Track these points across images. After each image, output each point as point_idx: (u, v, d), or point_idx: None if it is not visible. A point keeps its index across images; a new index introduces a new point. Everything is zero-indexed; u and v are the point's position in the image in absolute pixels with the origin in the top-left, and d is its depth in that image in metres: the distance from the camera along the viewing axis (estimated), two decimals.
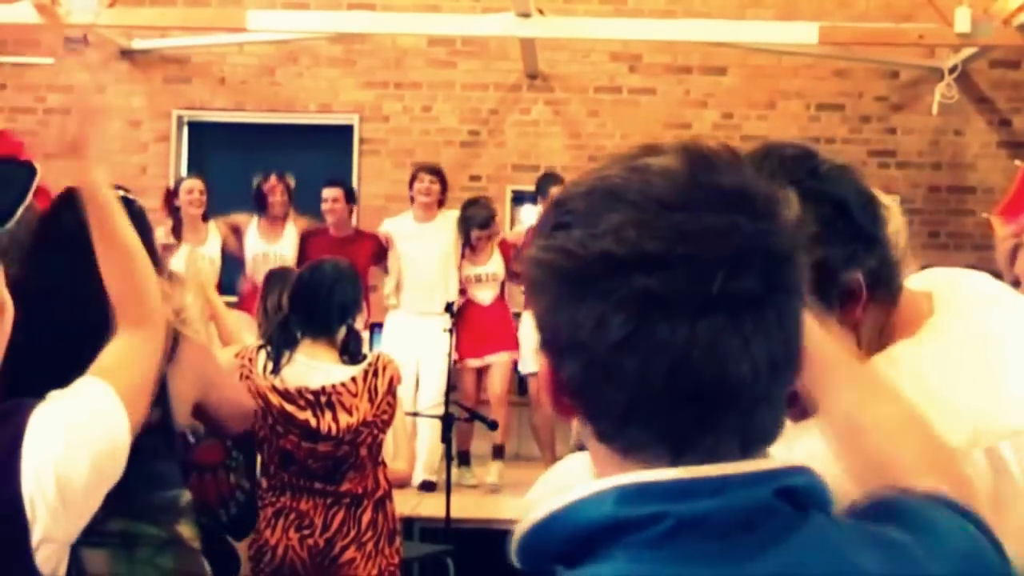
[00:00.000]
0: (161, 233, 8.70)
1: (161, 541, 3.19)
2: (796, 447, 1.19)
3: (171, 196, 9.05)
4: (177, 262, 8.61)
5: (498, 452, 8.88)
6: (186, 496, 3.32)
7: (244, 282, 9.08)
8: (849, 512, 1.21)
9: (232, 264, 9.20)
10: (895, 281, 1.74)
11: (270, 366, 4.47)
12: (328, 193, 9.06)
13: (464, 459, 8.78)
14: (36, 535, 1.95)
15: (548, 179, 9.06)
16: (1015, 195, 4.45)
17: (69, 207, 3.15)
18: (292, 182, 9.16)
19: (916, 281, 1.79)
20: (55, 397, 2.10)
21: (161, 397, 3.21)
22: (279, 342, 4.51)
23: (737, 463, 1.08)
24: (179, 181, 9.21)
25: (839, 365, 1.44)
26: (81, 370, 2.21)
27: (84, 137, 2.37)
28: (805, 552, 1.08)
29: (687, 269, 1.04)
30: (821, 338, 1.40)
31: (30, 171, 2.27)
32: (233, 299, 9.16)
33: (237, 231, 9.14)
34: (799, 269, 1.11)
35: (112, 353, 2.26)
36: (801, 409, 1.54)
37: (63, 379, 2.17)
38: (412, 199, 8.98)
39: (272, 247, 9.03)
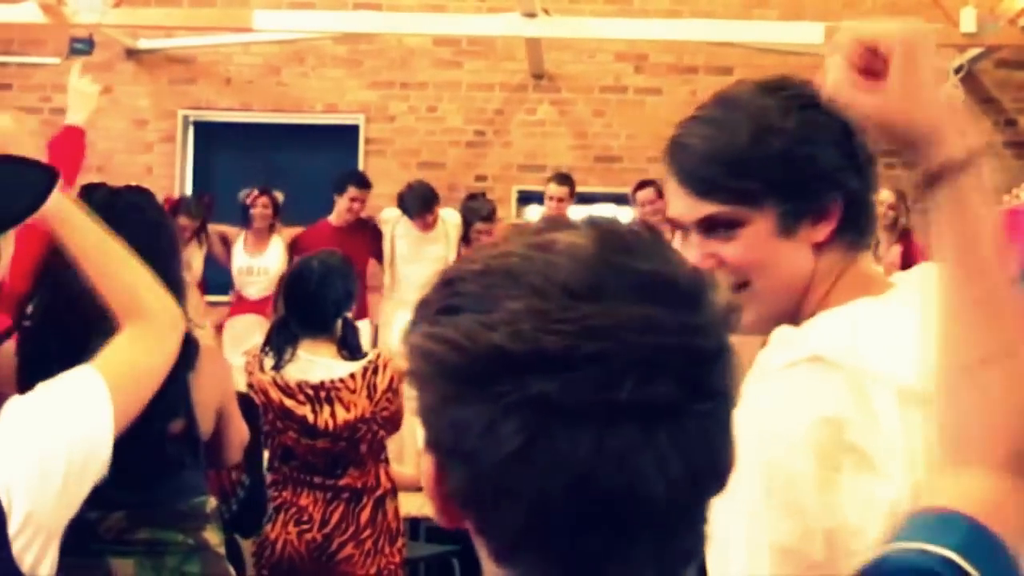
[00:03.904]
0: None
1: (188, 548, 3.21)
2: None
3: (175, 209, 9.04)
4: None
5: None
6: (212, 502, 3.34)
7: (232, 294, 9.14)
8: None
9: (222, 271, 9.23)
10: (865, 228, 1.72)
11: (270, 363, 4.48)
12: (361, 194, 9.10)
13: None
14: (13, 525, 1.94)
15: (553, 176, 9.09)
16: None
17: (86, 200, 3.16)
18: (280, 197, 9.10)
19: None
20: (40, 386, 2.10)
21: (186, 406, 3.22)
22: (279, 342, 4.52)
23: None
24: (182, 208, 9.12)
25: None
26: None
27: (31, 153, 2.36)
28: None
29: (592, 372, 0.89)
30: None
31: (51, 176, 2.27)
32: (225, 298, 9.20)
33: (226, 242, 9.14)
34: (728, 369, 0.96)
35: (109, 345, 2.25)
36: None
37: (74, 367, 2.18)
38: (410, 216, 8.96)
39: (256, 261, 9.01)
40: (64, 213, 2.33)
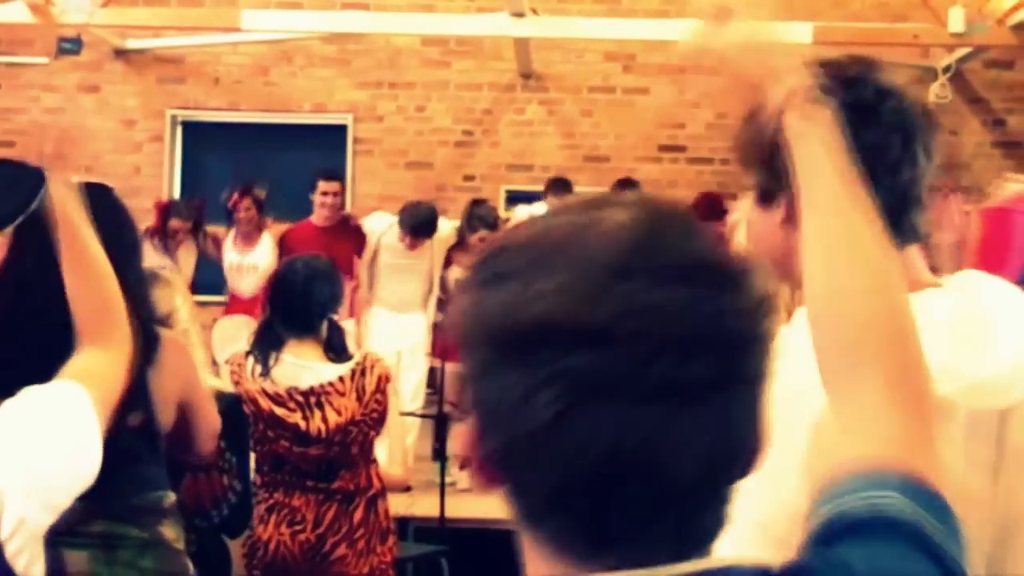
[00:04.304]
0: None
1: (143, 542, 3.18)
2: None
3: (167, 212, 9.04)
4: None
5: (466, 463, 8.57)
6: (170, 497, 3.30)
7: (227, 294, 9.16)
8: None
9: (215, 271, 9.23)
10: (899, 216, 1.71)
11: (259, 369, 4.46)
12: (328, 187, 8.93)
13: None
14: (5, 529, 1.94)
15: (553, 185, 9.02)
16: (989, 243, 4.39)
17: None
18: (262, 194, 9.02)
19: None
20: (26, 392, 2.08)
21: (144, 400, 3.19)
22: (264, 345, 4.51)
23: (666, 568, 0.97)
24: (175, 213, 9.15)
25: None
26: (53, 367, 2.19)
27: (59, 155, 2.35)
28: None
29: (628, 349, 0.93)
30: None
31: (39, 176, 2.27)
32: (221, 298, 9.18)
33: (217, 242, 9.14)
34: (763, 353, 0.99)
35: (84, 361, 2.24)
36: None
37: (35, 375, 2.15)
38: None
39: (245, 257, 9.00)
40: (70, 213, 2.31)
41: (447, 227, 8.90)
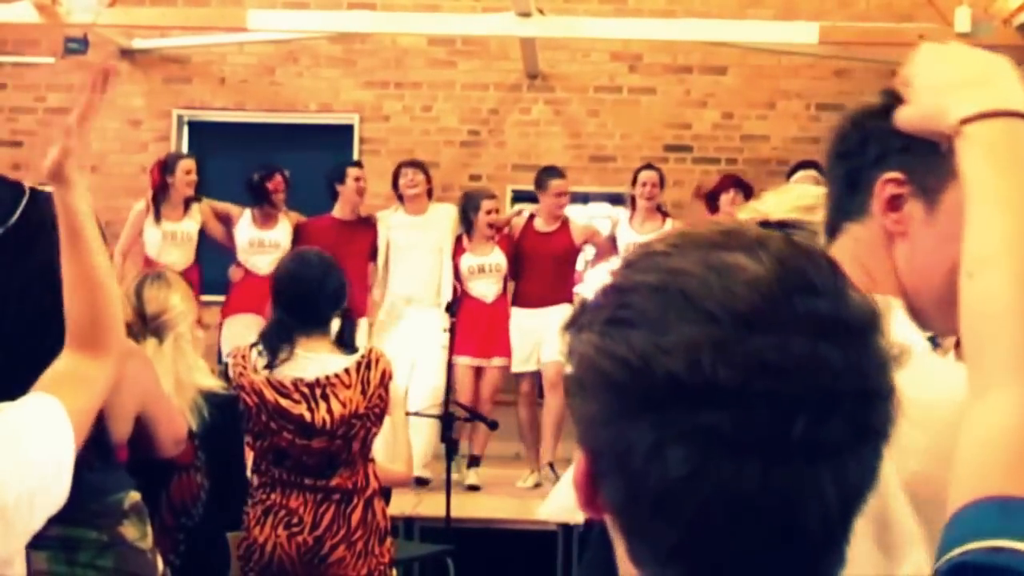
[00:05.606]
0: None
1: (102, 544, 3.18)
2: None
3: (169, 166, 8.97)
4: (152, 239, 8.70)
5: (473, 461, 8.65)
6: (131, 498, 3.30)
7: (236, 270, 9.09)
8: None
9: (218, 256, 9.20)
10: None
11: (262, 361, 4.44)
12: (360, 172, 9.16)
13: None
14: None
15: (547, 172, 9.06)
16: None
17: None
18: (287, 174, 9.13)
19: None
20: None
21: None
22: (275, 341, 4.48)
23: None
24: (176, 158, 9.18)
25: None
26: (22, 373, 2.16)
27: (67, 162, 2.32)
28: None
29: (765, 408, 0.91)
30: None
31: (17, 193, 2.26)
32: (220, 298, 9.13)
33: (225, 219, 9.10)
34: (892, 409, 0.98)
35: (64, 372, 2.20)
36: None
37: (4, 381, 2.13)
38: (400, 197, 9.03)
39: (267, 233, 8.99)
40: (77, 218, 2.30)
41: (453, 210, 8.98)
